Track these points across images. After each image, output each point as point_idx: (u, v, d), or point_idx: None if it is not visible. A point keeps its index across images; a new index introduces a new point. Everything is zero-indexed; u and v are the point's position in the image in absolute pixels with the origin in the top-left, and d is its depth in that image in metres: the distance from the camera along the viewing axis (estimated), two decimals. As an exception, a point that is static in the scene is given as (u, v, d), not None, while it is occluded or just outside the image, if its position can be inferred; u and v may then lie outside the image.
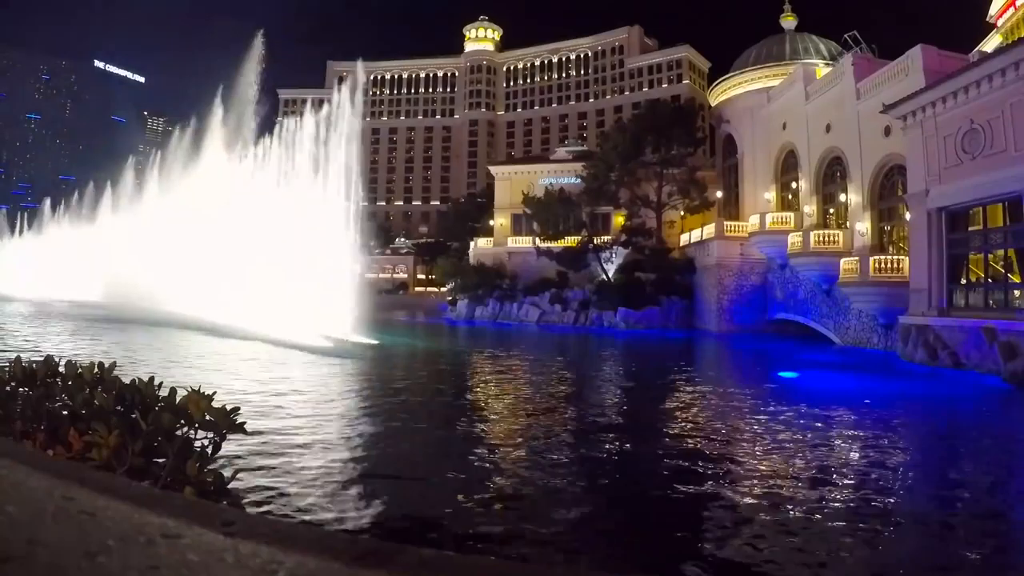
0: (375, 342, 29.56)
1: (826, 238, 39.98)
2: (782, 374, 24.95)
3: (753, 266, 48.29)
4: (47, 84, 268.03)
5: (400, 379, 21.64)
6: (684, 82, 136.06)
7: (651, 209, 59.14)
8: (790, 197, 49.66)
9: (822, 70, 47.31)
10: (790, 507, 8.82)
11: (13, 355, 4.53)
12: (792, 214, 45.97)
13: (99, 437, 3.19)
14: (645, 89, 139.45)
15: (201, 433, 3.45)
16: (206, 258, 35.55)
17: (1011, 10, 47.80)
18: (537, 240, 60.63)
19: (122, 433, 3.25)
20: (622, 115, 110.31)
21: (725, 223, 50.57)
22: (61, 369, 4.04)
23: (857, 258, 35.80)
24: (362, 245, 39.34)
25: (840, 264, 36.92)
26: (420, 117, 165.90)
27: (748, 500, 9.09)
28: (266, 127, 43.70)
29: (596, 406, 17.57)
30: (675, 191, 58.58)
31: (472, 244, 72.25)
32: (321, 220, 33.39)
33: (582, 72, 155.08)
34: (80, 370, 3.99)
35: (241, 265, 32.72)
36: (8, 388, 3.84)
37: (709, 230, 51.61)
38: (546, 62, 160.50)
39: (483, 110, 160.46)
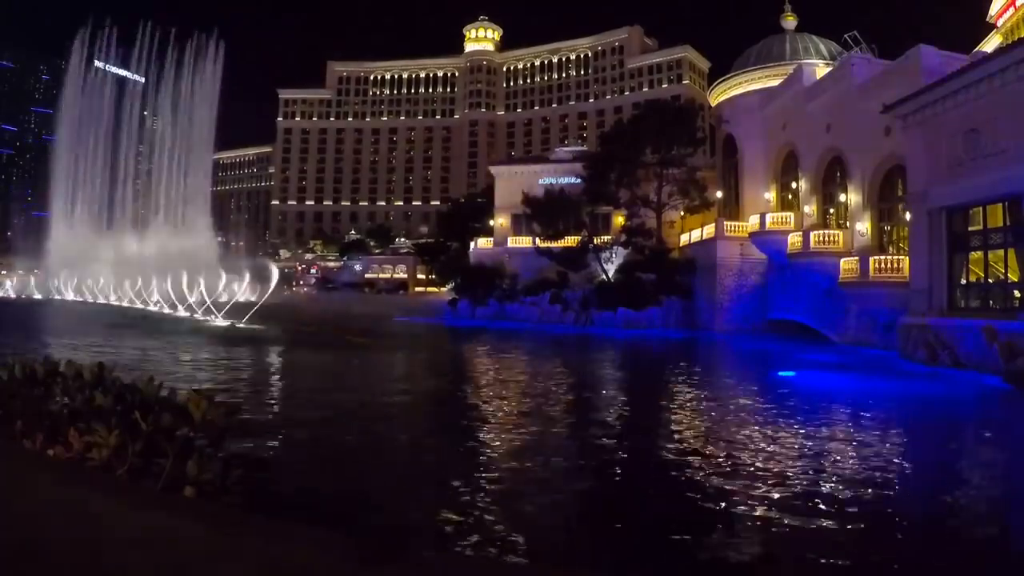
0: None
1: (826, 238, 39.93)
2: (782, 374, 24.96)
3: (753, 266, 48.22)
4: (47, 84, 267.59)
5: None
6: (684, 82, 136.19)
7: (651, 209, 59.02)
8: (790, 197, 49.58)
9: (822, 70, 47.20)
10: (794, 511, 8.81)
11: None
12: (792, 214, 45.90)
13: (99, 437, 3.18)
14: (645, 89, 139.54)
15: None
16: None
17: (1011, 10, 47.87)
18: (537, 240, 60.53)
19: (122, 433, 3.24)
20: (622, 115, 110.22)
21: (725, 223, 50.48)
22: (61, 369, 4.03)
23: (857, 258, 35.77)
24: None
25: (840, 264, 36.88)
26: (420, 117, 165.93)
27: (751, 501, 9.08)
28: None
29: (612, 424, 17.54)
30: (675, 191, 58.46)
31: (472, 244, 72.11)
32: None
33: (582, 72, 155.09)
34: (80, 370, 3.99)
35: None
36: (8, 388, 3.84)
37: (709, 230, 51.55)
38: (546, 62, 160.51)
39: (483, 110, 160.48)
